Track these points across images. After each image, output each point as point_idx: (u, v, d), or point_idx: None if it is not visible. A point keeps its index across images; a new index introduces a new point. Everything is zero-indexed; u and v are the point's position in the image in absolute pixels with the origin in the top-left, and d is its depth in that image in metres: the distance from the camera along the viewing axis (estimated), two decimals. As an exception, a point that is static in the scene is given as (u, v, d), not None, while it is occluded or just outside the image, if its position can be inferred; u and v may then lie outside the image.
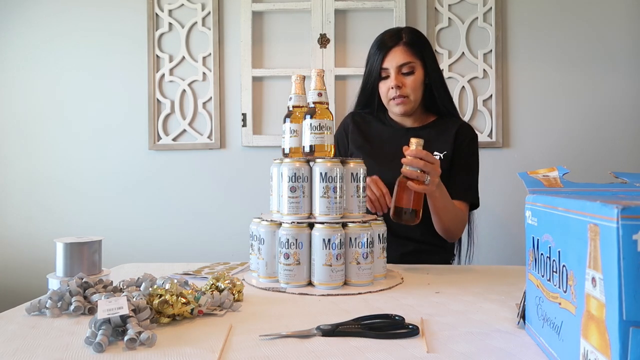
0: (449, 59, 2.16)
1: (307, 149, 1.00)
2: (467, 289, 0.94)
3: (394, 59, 1.30)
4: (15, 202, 2.28)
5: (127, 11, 2.24)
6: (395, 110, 1.34)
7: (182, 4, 2.22)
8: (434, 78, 1.35)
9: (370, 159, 1.22)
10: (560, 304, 0.54)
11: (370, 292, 0.92)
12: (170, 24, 2.23)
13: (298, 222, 0.95)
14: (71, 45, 2.26)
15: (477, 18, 2.15)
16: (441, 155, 1.33)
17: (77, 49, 2.26)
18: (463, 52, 2.15)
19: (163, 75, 2.23)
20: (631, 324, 0.40)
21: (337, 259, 0.92)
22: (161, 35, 2.23)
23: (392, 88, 1.30)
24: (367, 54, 1.38)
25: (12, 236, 2.28)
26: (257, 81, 2.22)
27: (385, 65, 1.31)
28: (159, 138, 2.23)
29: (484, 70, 2.14)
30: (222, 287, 0.83)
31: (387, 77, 1.32)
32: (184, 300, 0.73)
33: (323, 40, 2.16)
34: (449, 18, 2.16)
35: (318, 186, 0.96)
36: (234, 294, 0.83)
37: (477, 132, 2.09)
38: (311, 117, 0.99)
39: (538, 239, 0.62)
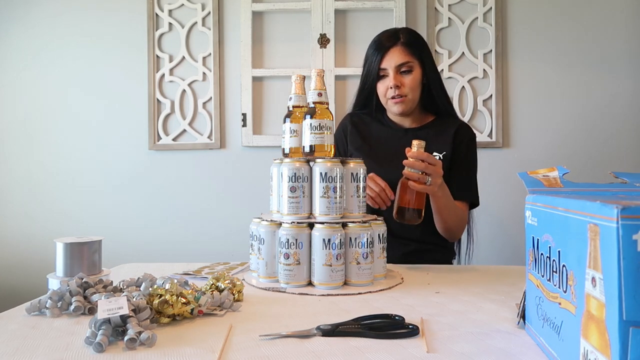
0: (449, 59, 2.16)
1: (307, 149, 1.00)
2: (467, 289, 0.94)
3: (392, 58, 1.31)
4: (15, 202, 2.28)
5: (127, 11, 2.24)
6: (393, 110, 1.35)
7: (182, 4, 2.22)
8: (432, 78, 1.36)
9: (369, 160, 1.23)
10: (560, 304, 0.54)
11: (370, 292, 0.92)
12: (170, 24, 2.23)
13: (298, 222, 0.95)
14: (71, 45, 2.26)
15: (477, 18, 2.15)
16: (440, 155, 1.33)
17: (77, 50, 2.26)
18: (463, 52, 2.15)
19: (163, 75, 2.23)
20: (631, 324, 0.40)
21: (337, 259, 0.92)
22: (161, 35, 2.23)
23: (391, 87, 1.31)
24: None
25: (12, 236, 2.28)
26: (257, 81, 2.22)
27: (383, 65, 1.32)
28: (159, 138, 2.23)
29: (484, 70, 2.14)
30: (222, 287, 0.83)
31: (386, 76, 1.33)
32: (184, 300, 0.73)
33: (323, 40, 2.16)
34: (449, 18, 2.16)
35: (318, 186, 0.96)
36: (234, 294, 0.83)
37: (477, 132, 2.13)
38: (311, 117, 0.99)
39: (538, 239, 0.62)
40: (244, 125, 2.20)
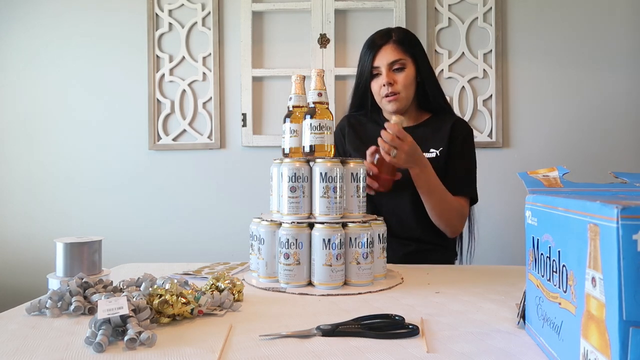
0: (449, 59, 2.16)
1: (307, 149, 1.01)
2: (467, 289, 0.94)
3: (385, 56, 1.32)
4: (15, 202, 2.28)
5: (127, 11, 2.24)
6: (388, 108, 1.35)
7: (182, 4, 2.22)
8: (426, 75, 1.36)
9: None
10: (560, 304, 0.54)
11: (370, 292, 0.92)
12: (170, 24, 2.23)
13: (298, 222, 0.95)
14: (71, 46, 2.26)
15: (477, 18, 2.15)
16: (437, 152, 1.33)
17: (78, 50, 2.26)
18: (463, 52, 2.15)
19: (163, 75, 2.23)
20: (631, 324, 0.40)
21: (337, 259, 0.92)
22: (161, 35, 2.23)
23: (384, 85, 1.31)
24: None
25: (12, 236, 2.28)
26: (257, 81, 2.22)
27: (376, 63, 1.33)
28: (159, 138, 2.23)
29: (484, 70, 2.14)
30: (222, 287, 0.83)
31: (379, 75, 1.33)
32: (184, 300, 0.73)
33: (323, 40, 2.16)
34: (449, 18, 2.16)
35: (318, 186, 0.96)
36: (234, 294, 0.83)
37: (477, 132, 2.13)
38: (311, 117, 0.99)
39: (538, 239, 0.62)
40: (244, 125, 2.20)
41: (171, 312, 0.72)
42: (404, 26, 2.11)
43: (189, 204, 2.23)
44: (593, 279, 0.45)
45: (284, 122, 1.06)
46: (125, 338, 0.62)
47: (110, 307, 0.65)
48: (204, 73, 2.22)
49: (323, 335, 0.66)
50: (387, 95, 1.32)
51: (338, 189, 0.96)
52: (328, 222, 0.94)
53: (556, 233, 0.56)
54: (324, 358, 0.59)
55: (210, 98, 2.22)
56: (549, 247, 0.57)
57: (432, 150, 1.33)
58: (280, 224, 0.97)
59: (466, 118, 2.13)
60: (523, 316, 0.70)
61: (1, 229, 2.28)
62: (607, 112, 2.13)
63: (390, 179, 1.19)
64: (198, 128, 2.23)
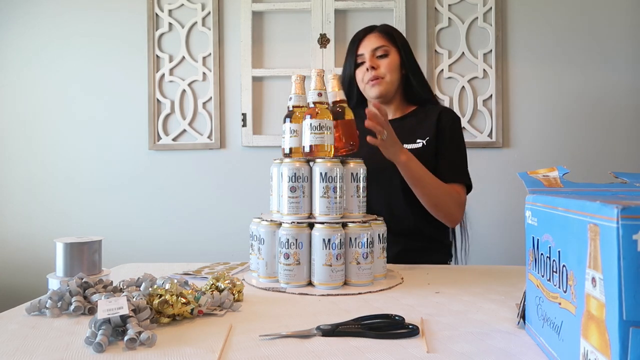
0: (449, 59, 2.16)
1: (307, 149, 1.00)
2: (467, 289, 0.94)
3: (368, 44, 1.35)
4: (15, 202, 2.28)
5: (127, 11, 2.24)
6: (371, 94, 1.35)
7: (182, 4, 2.22)
8: (410, 66, 1.37)
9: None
10: (560, 304, 0.54)
11: (370, 292, 0.92)
12: (170, 24, 2.23)
13: (298, 222, 0.95)
14: (71, 46, 2.26)
15: (477, 18, 2.15)
16: (424, 141, 1.33)
17: (77, 50, 2.26)
18: (463, 52, 2.15)
19: (163, 75, 2.23)
20: (631, 324, 0.40)
21: (337, 259, 0.92)
22: (161, 35, 2.23)
23: (367, 70, 1.33)
24: None
25: (12, 236, 2.28)
26: (257, 81, 2.22)
27: (360, 51, 1.35)
28: (159, 138, 2.23)
29: (484, 70, 2.14)
30: (222, 287, 0.83)
31: (363, 62, 1.35)
32: (184, 300, 0.73)
33: (323, 40, 2.16)
34: (449, 18, 2.16)
35: (318, 186, 0.96)
36: (234, 294, 0.83)
37: (477, 132, 2.13)
38: (311, 117, 0.99)
39: (538, 239, 0.62)
40: (244, 125, 2.20)
41: (171, 312, 0.72)
42: (404, 26, 2.11)
43: (189, 204, 2.23)
44: (593, 279, 0.45)
45: (284, 122, 1.06)
46: (125, 338, 0.62)
47: (110, 307, 0.65)
48: (204, 73, 2.22)
49: (323, 335, 0.66)
50: (370, 80, 1.33)
51: (338, 189, 0.96)
52: (328, 222, 0.94)
53: (556, 233, 0.56)
54: (324, 358, 0.59)
55: (210, 98, 2.22)
56: (549, 247, 0.57)
57: (418, 140, 1.33)
58: (280, 224, 0.97)
59: (466, 118, 2.13)
60: (523, 316, 0.70)
61: (1, 229, 2.28)
62: (607, 112, 2.13)
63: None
64: (198, 128, 2.23)
